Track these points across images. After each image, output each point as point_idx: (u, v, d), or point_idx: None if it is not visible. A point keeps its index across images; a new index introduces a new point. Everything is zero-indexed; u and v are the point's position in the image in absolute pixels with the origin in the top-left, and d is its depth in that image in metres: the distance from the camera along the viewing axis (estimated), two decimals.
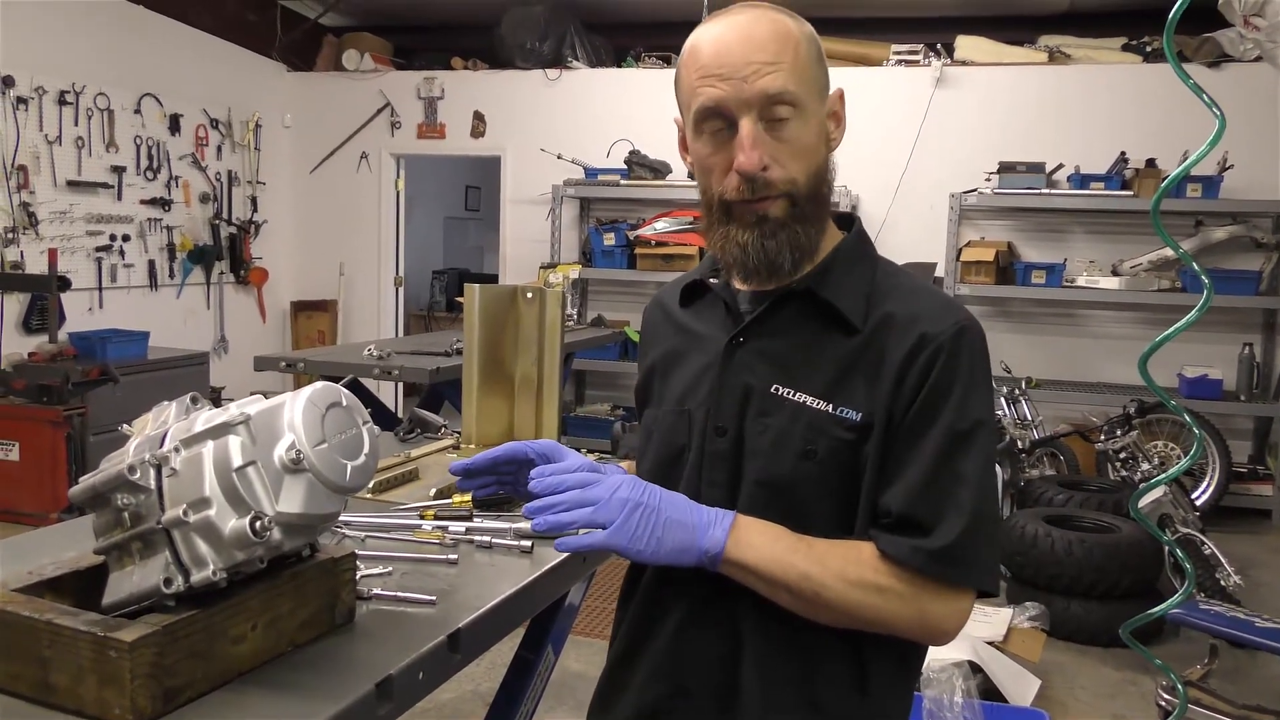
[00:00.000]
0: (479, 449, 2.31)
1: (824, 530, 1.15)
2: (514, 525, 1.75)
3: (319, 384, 1.20)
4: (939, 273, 6.48)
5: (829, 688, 1.19)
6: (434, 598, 1.42)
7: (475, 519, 1.80)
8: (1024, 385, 5.76)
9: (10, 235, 5.78)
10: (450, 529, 1.73)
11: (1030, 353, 6.54)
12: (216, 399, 6.82)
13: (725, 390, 1.22)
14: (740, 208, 1.19)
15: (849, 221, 1.30)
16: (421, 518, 1.79)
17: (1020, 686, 3.41)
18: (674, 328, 1.34)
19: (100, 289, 6.45)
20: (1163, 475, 1.53)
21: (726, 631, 1.21)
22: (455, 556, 1.61)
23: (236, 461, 1.10)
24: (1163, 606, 1.63)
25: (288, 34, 7.74)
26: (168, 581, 1.09)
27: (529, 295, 2.35)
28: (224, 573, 1.11)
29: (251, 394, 1.24)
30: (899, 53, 6.78)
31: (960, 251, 6.41)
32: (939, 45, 6.80)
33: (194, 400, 1.21)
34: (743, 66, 1.14)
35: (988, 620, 3.80)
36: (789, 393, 1.18)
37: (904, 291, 1.21)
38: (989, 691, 3.26)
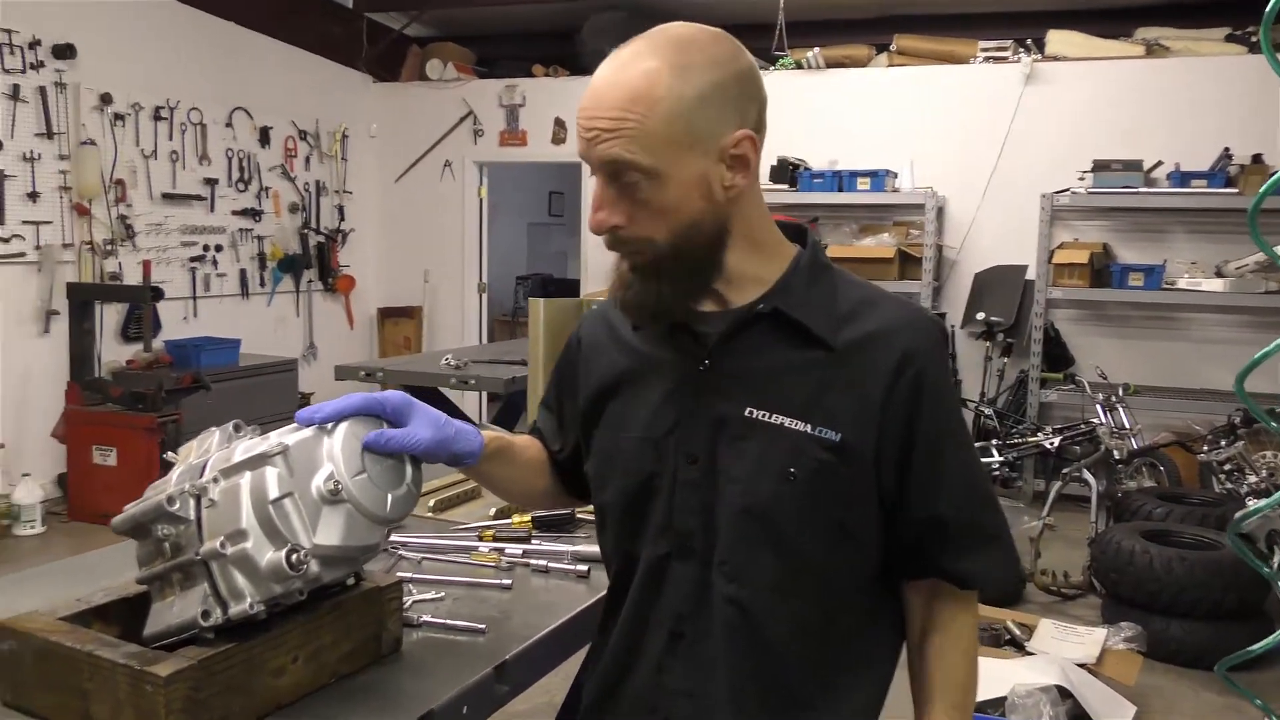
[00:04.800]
0: None
1: (811, 553, 1.15)
2: (572, 548, 1.71)
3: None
4: (1030, 275, 6.28)
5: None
6: (484, 626, 1.40)
7: (534, 540, 1.77)
8: (1121, 392, 5.53)
9: (109, 247, 5.98)
10: (507, 551, 1.70)
11: (1128, 358, 6.29)
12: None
13: (694, 416, 1.17)
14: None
15: (800, 233, 1.26)
16: (480, 538, 1.77)
17: (1113, 712, 3.25)
18: (622, 348, 1.27)
19: (194, 298, 6.64)
20: (1272, 499, 1.41)
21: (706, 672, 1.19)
22: (509, 582, 1.58)
23: (273, 493, 1.09)
24: (1264, 643, 1.51)
25: (373, 46, 7.86)
26: (205, 614, 1.08)
27: (594, 307, 2.31)
28: (261, 605, 1.09)
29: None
30: (986, 49, 6.59)
31: (1052, 253, 6.18)
32: (1029, 41, 6.58)
33: (236, 428, 1.20)
34: (590, 126, 1.10)
35: (1080, 641, 3.64)
36: (764, 415, 1.14)
37: (869, 304, 1.19)
38: (1079, 718, 3.11)
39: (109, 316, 6.00)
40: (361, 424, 1.17)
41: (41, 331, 5.64)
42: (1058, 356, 6.37)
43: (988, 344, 6.30)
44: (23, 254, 5.50)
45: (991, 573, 1.19)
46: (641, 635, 1.22)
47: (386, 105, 8.14)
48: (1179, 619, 3.90)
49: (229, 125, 6.80)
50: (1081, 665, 3.43)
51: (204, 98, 6.58)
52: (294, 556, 1.07)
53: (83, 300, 5.49)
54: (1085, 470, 4.96)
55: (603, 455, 1.27)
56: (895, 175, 6.55)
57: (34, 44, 5.48)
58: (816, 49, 6.93)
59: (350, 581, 1.26)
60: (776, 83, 6.82)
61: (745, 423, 1.15)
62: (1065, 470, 5.04)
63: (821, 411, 1.13)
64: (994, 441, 5.63)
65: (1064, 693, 3.09)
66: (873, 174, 6.48)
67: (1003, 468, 5.66)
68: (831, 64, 6.96)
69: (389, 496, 1.16)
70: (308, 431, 1.15)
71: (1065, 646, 3.59)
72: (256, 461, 1.10)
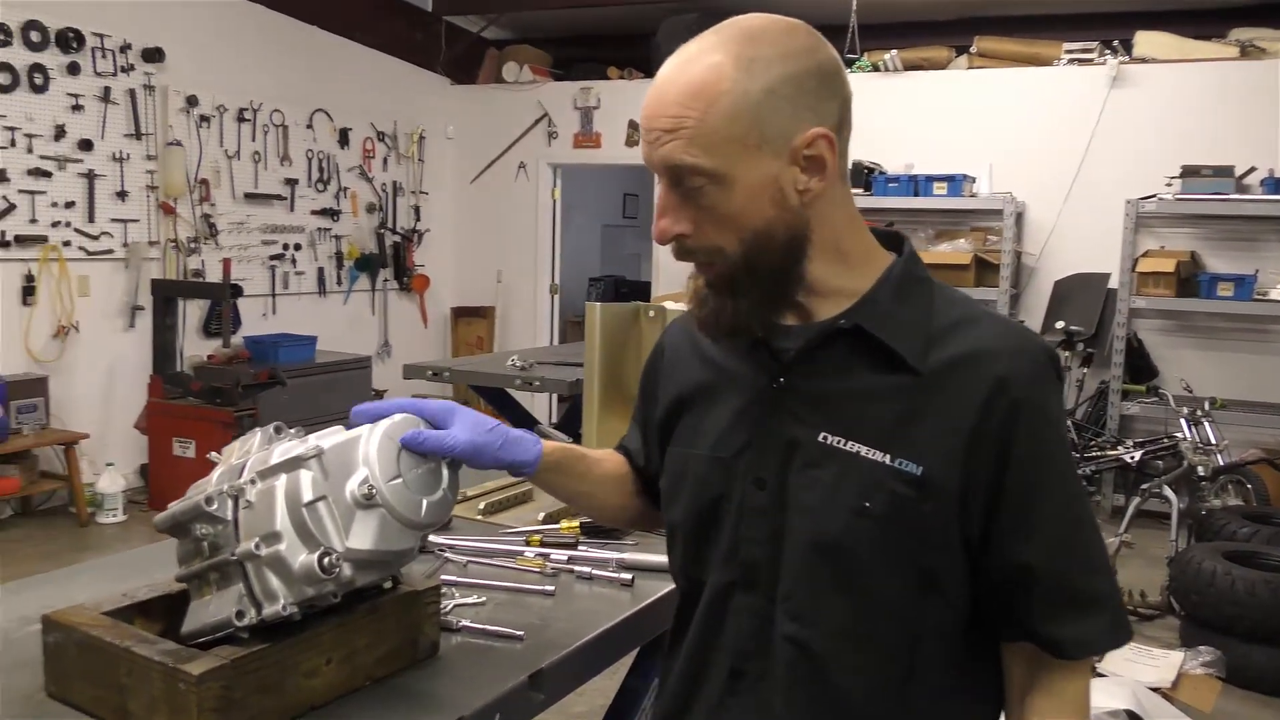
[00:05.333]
0: None
1: (887, 598, 1.03)
2: (618, 555, 1.70)
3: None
4: (1112, 284, 6.10)
5: None
6: (522, 633, 1.39)
7: (581, 547, 1.76)
8: (1207, 406, 5.34)
9: (193, 245, 6.16)
10: (552, 557, 1.69)
11: (1215, 371, 6.07)
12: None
13: (766, 438, 1.09)
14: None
15: (897, 241, 1.14)
16: (527, 543, 1.76)
17: None
18: (700, 360, 1.20)
19: (273, 295, 6.80)
20: None
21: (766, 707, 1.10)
22: (552, 588, 1.58)
23: (307, 496, 1.09)
24: None
25: (451, 49, 7.97)
26: (240, 614, 1.09)
27: (651, 314, 2.30)
28: (295, 607, 1.10)
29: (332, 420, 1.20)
30: (1071, 51, 6.42)
31: (1136, 262, 6.00)
32: (1115, 42, 6.39)
33: (278, 430, 1.21)
34: (651, 128, 1.02)
35: (1155, 664, 3.52)
36: (839, 442, 1.04)
37: (967, 323, 1.06)
38: None
39: (191, 312, 6.17)
40: (399, 427, 1.17)
41: (127, 326, 5.83)
42: (1140, 368, 6.17)
43: (1067, 354, 6.12)
44: (111, 251, 5.69)
45: (1092, 643, 1.04)
46: (703, 668, 1.15)
47: (463, 107, 8.24)
48: (1261, 645, 3.74)
49: (309, 127, 6.96)
50: (1155, 689, 3.31)
51: (286, 100, 6.74)
52: (326, 560, 1.08)
53: (166, 296, 5.65)
54: (1166, 486, 4.80)
55: (674, 471, 1.20)
56: (973, 180, 6.42)
57: (125, 47, 5.66)
58: (894, 51, 6.83)
59: (388, 585, 1.26)
60: (851, 85, 6.72)
61: (819, 449, 1.05)
62: (1145, 486, 4.88)
63: (903, 441, 1.02)
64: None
65: (1134, 717, 2.99)
66: (950, 178, 6.36)
67: None
68: (909, 66, 6.85)
69: (424, 501, 1.16)
70: (344, 435, 1.15)
71: (1139, 669, 3.48)
72: (292, 464, 1.11)
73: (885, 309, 1.06)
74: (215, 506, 1.12)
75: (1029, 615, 1.03)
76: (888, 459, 1.02)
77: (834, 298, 1.08)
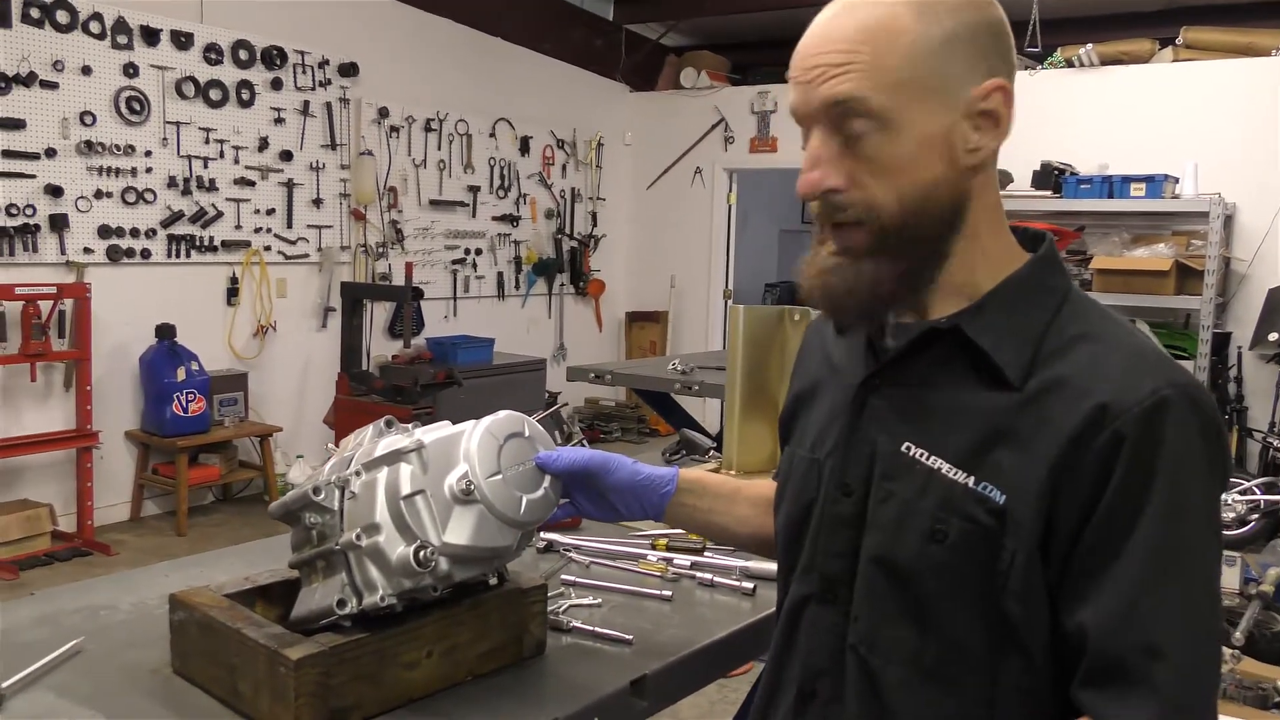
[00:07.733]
0: (739, 475, 2.22)
1: (965, 640, 0.92)
2: (743, 563, 1.65)
3: (501, 413, 1.18)
4: None
5: None
6: (631, 637, 1.36)
7: (706, 553, 1.73)
8: None
9: (381, 249, 6.47)
10: (675, 561, 1.66)
11: None
12: (552, 402, 7.24)
13: (852, 441, 1.01)
14: (827, 230, 0.97)
15: (1037, 243, 1.02)
16: (653, 546, 1.74)
17: None
18: (823, 356, 1.13)
19: (455, 298, 7.07)
20: None
21: None
22: (670, 593, 1.55)
23: (405, 489, 1.11)
24: None
25: (631, 56, 8.07)
26: (341, 603, 1.12)
27: (796, 317, 2.24)
28: (394, 598, 1.11)
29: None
30: None
31: None
32: None
33: (388, 424, 1.23)
34: (812, 68, 0.93)
35: None
36: (921, 454, 0.95)
37: (1092, 342, 0.92)
38: None
39: (378, 314, 6.49)
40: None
41: (320, 326, 6.19)
42: None
43: None
44: (306, 255, 6.06)
45: None
46: (779, 683, 1.09)
47: (641, 113, 8.33)
48: None
49: (492, 135, 7.19)
50: None
51: (470, 110, 6.99)
52: (422, 553, 1.09)
53: (354, 298, 5.95)
54: None
55: (783, 471, 1.15)
56: (1175, 180, 5.98)
57: (323, 63, 6.01)
58: (1089, 45, 6.44)
59: (494, 581, 1.26)
60: (1040, 82, 6.41)
61: (899, 460, 0.96)
62: None
63: (989, 465, 0.91)
64: None
65: None
66: (1149, 179, 5.94)
67: None
68: (1108, 61, 6.45)
69: (524, 499, 1.15)
70: (449, 430, 1.16)
71: None
72: (394, 457, 1.13)
73: (994, 314, 0.95)
74: (322, 496, 1.15)
75: (1077, 678, 0.88)
76: (970, 481, 0.92)
77: (955, 297, 0.97)
